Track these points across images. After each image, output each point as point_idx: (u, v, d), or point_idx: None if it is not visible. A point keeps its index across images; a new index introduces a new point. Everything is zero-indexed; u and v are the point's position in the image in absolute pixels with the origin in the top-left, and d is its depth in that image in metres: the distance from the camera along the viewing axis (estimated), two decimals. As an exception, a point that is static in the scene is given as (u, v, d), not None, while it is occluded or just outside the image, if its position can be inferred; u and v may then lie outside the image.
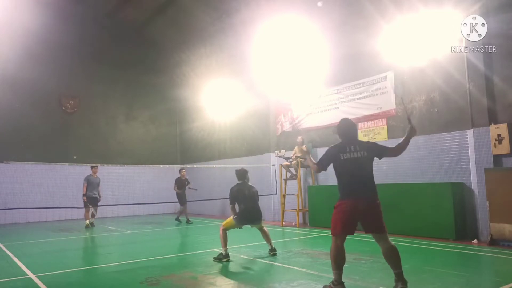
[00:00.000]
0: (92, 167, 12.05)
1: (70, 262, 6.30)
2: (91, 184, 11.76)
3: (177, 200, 12.80)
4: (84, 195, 11.71)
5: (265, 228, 6.71)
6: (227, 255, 6.27)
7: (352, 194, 4.08)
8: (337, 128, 4.39)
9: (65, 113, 15.42)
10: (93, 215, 11.96)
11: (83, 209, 13.41)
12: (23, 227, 12.43)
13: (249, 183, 6.80)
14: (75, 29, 15.25)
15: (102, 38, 16.24)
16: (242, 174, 6.82)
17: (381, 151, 4.26)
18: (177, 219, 12.99)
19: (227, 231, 6.49)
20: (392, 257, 3.98)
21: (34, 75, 14.39)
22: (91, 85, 16.03)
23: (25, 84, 14.32)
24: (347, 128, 4.33)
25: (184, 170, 13.17)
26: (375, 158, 4.30)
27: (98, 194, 12.03)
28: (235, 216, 6.50)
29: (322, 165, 4.31)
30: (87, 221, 11.54)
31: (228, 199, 6.68)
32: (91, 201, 11.73)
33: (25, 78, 14.25)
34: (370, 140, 9.90)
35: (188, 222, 12.47)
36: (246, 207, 6.52)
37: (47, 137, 14.70)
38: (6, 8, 13.32)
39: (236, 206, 6.62)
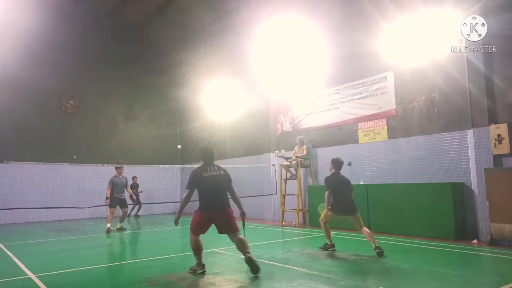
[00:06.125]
0: (116, 168, 11.16)
1: (70, 262, 6.29)
2: (116, 186, 10.80)
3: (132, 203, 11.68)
4: (107, 198, 10.85)
5: (361, 222, 6.62)
6: (332, 245, 6.70)
7: (208, 206, 5.21)
8: (201, 154, 5.59)
9: (65, 113, 15.43)
10: (128, 215, 11.00)
11: (84, 210, 13.43)
12: (23, 227, 12.43)
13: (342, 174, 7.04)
14: (75, 29, 15.25)
15: (102, 38, 16.23)
16: (340, 163, 6.96)
17: (229, 179, 5.51)
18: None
19: (327, 222, 6.84)
20: (242, 245, 5.17)
21: (34, 75, 14.40)
22: (91, 85, 16.03)
23: (25, 84, 14.32)
24: (207, 155, 5.57)
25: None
26: None
27: (132, 195, 11.09)
28: (329, 207, 6.71)
29: (190, 187, 5.29)
30: (108, 225, 10.49)
31: (324, 186, 6.90)
32: (119, 202, 10.86)
33: (25, 78, 14.25)
34: (370, 141, 9.93)
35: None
36: (340, 197, 6.71)
37: (47, 137, 14.70)
38: (6, 8, 13.31)
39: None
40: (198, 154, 5.82)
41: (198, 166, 5.62)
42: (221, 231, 5.32)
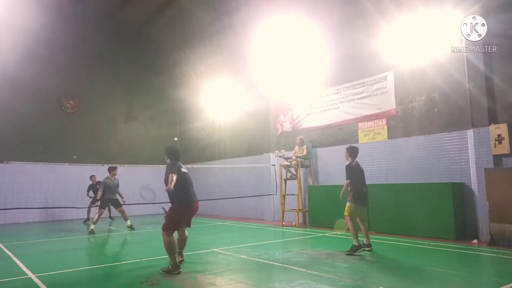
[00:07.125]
0: (112, 169, 11.01)
1: (70, 262, 6.30)
2: (108, 188, 10.74)
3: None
4: (98, 199, 10.86)
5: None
6: (360, 246, 6.33)
7: (190, 200, 5.53)
8: (170, 153, 5.81)
9: (65, 113, 15.43)
10: (125, 218, 10.92)
11: (84, 209, 13.41)
12: (23, 227, 12.43)
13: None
14: (75, 29, 15.26)
15: (102, 38, 16.23)
16: (357, 151, 6.83)
17: None
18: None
19: (353, 221, 6.52)
20: (184, 243, 5.87)
21: (34, 75, 14.39)
22: (91, 85, 16.03)
23: (25, 84, 14.32)
24: (177, 153, 5.84)
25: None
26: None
27: (120, 196, 11.07)
28: (351, 199, 6.52)
29: (176, 173, 5.40)
30: (92, 226, 10.39)
31: (346, 174, 6.59)
32: (111, 203, 10.91)
33: (25, 78, 14.25)
34: (370, 141, 9.93)
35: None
36: (362, 187, 6.65)
37: (47, 137, 14.70)
38: (6, 8, 13.31)
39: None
40: (167, 152, 5.90)
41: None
42: (185, 224, 5.68)
